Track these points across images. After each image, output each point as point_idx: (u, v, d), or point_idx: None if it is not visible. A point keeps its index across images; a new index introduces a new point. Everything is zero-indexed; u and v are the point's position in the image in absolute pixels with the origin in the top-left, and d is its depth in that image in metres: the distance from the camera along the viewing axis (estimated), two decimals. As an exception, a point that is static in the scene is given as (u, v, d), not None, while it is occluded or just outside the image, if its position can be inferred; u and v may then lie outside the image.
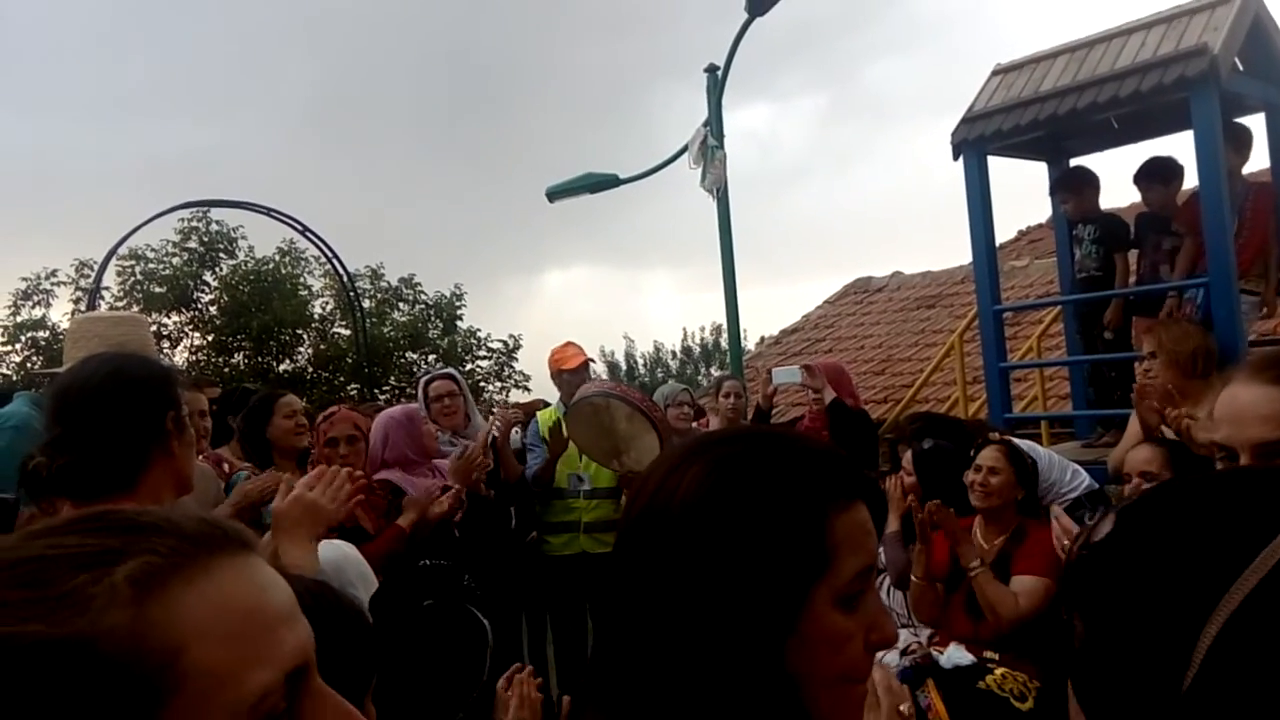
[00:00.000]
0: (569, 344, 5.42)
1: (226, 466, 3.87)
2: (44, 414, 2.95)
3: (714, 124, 7.48)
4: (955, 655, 3.24)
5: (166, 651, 0.54)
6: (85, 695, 0.52)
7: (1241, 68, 4.58)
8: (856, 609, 0.88)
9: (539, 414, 5.24)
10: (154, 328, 15.70)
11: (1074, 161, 5.33)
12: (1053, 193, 5.27)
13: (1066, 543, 1.69)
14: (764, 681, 0.85)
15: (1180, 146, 4.79)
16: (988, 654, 3.28)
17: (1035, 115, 4.70)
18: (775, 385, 5.36)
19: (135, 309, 15.69)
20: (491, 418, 5.05)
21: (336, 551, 2.09)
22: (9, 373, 15.11)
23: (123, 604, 0.54)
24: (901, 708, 0.96)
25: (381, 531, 3.43)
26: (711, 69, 7.57)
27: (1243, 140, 4.62)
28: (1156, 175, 4.71)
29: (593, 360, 5.70)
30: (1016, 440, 3.79)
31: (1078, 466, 4.07)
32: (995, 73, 5.08)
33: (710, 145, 7.43)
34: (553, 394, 5.58)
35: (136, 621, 0.53)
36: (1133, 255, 5.02)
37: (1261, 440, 1.51)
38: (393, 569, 3.37)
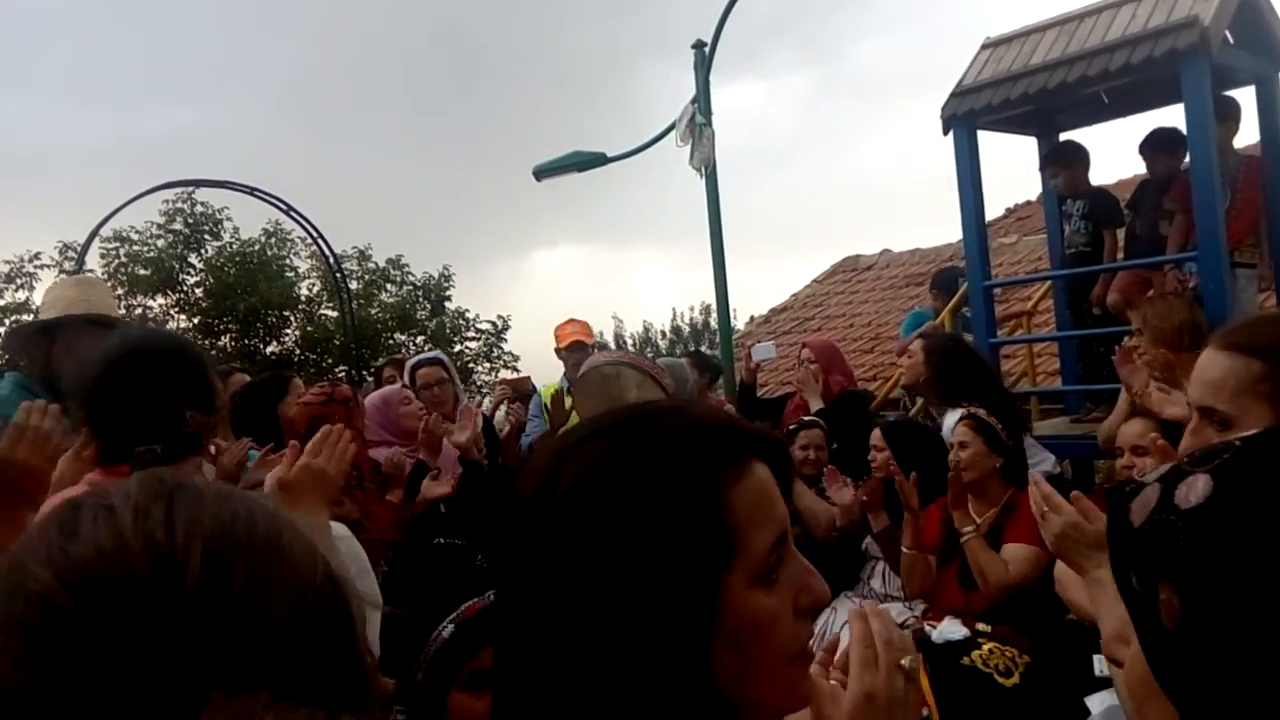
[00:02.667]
0: (571, 320, 5.42)
1: (212, 449, 3.85)
2: (34, 391, 2.94)
3: (702, 101, 7.42)
4: (947, 630, 3.25)
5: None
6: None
7: (1232, 40, 4.56)
8: (777, 581, 0.79)
9: (542, 387, 5.24)
10: (139, 310, 15.60)
11: (1064, 136, 5.31)
12: (1043, 167, 5.25)
13: (1045, 509, 1.69)
14: (694, 702, 0.75)
15: (1170, 120, 4.78)
16: (980, 626, 3.29)
17: (1025, 89, 4.67)
18: (757, 361, 5.40)
19: (120, 291, 15.57)
20: (480, 399, 5.04)
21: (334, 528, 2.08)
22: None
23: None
24: (904, 661, 0.89)
25: (372, 515, 3.40)
26: (699, 45, 7.50)
27: (1231, 113, 4.61)
28: (1163, 145, 4.71)
29: (594, 339, 5.70)
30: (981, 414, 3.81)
31: (1040, 446, 4.14)
32: (985, 46, 5.05)
33: (698, 123, 7.37)
34: (545, 372, 5.57)
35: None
36: (1121, 232, 5.02)
37: (1202, 404, 1.52)
38: (405, 547, 3.35)
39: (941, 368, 4.17)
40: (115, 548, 0.58)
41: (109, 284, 15.53)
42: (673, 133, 7.64)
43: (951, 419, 4.03)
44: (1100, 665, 3.12)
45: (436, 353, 5.27)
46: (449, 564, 3.41)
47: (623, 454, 0.78)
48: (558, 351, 5.29)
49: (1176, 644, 0.64)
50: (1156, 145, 4.73)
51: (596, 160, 8.41)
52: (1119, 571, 0.70)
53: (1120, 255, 4.98)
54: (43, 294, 3.24)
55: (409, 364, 4.91)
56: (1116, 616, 1.17)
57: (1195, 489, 0.64)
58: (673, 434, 0.79)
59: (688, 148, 7.45)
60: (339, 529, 2.20)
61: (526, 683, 0.78)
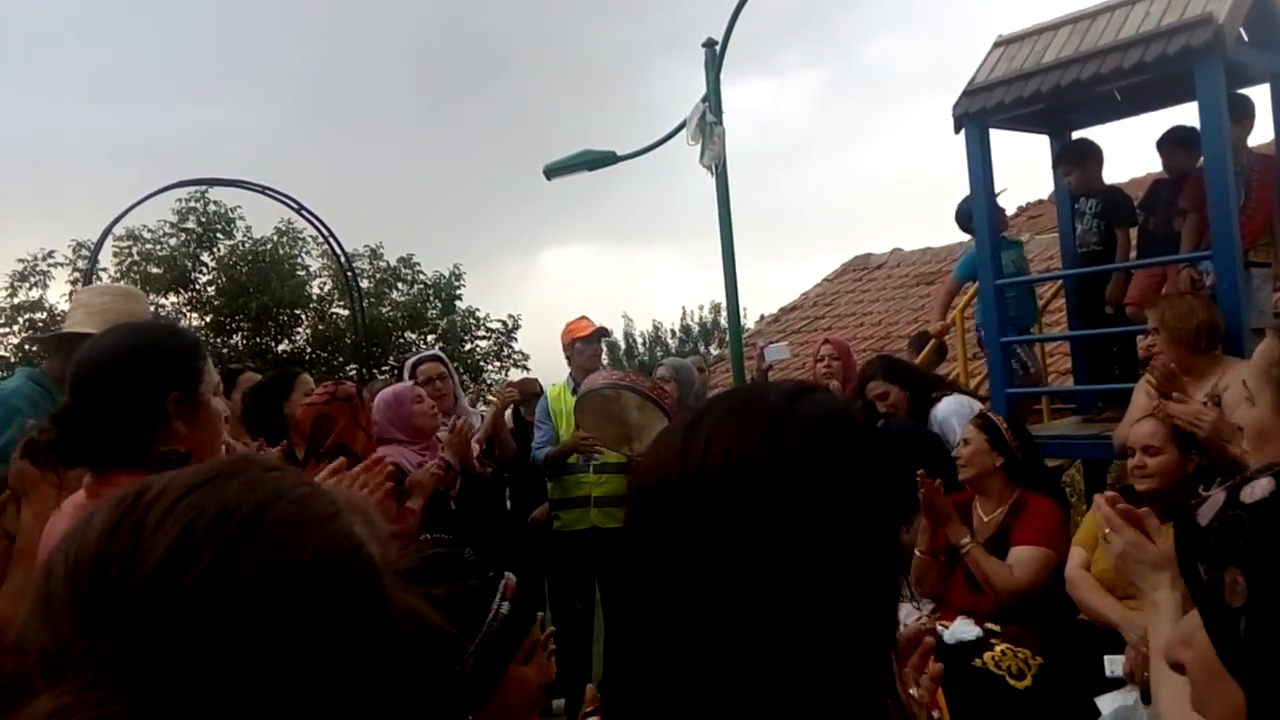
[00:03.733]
0: (582, 317, 5.42)
1: (223, 450, 3.86)
2: (47, 387, 2.94)
3: (712, 99, 7.40)
4: (960, 630, 3.24)
5: None
6: None
7: (1246, 38, 4.53)
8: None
9: (549, 390, 5.24)
10: (151, 309, 15.66)
11: (1076, 134, 5.29)
12: (1056, 165, 5.23)
13: (1108, 530, 1.67)
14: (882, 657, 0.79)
15: (1184, 118, 4.75)
16: (989, 626, 3.28)
17: (1038, 87, 4.64)
18: (770, 362, 5.37)
19: (132, 290, 15.63)
20: (492, 400, 5.06)
21: None
22: (6, 354, 15.09)
23: None
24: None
25: (389, 515, 3.42)
26: (710, 43, 7.48)
27: (1245, 111, 4.58)
28: (1181, 142, 4.69)
29: (607, 333, 5.68)
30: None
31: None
32: (997, 44, 5.02)
33: (709, 121, 7.35)
34: (555, 371, 5.57)
35: None
36: (1134, 231, 5.00)
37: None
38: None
39: (909, 379, 4.52)
40: (98, 537, 0.61)
41: (122, 283, 15.62)
42: (683, 131, 7.63)
43: (945, 410, 4.10)
44: (1111, 666, 3.11)
45: (435, 350, 5.28)
46: (439, 558, 3.43)
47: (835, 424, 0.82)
48: (571, 344, 5.27)
49: (1243, 621, 0.70)
50: (1175, 142, 4.71)
51: (607, 159, 8.40)
52: (1186, 567, 0.75)
53: (1133, 254, 4.96)
54: (80, 295, 3.20)
55: (409, 362, 4.93)
56: (1177, 626, 1.20)
57: (1259, 488, 0.72)
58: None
59: (698, 146, 7.43)
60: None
61: (691, 654, 0.78)
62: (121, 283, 15.56)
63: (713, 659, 0.77)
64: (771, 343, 5.50)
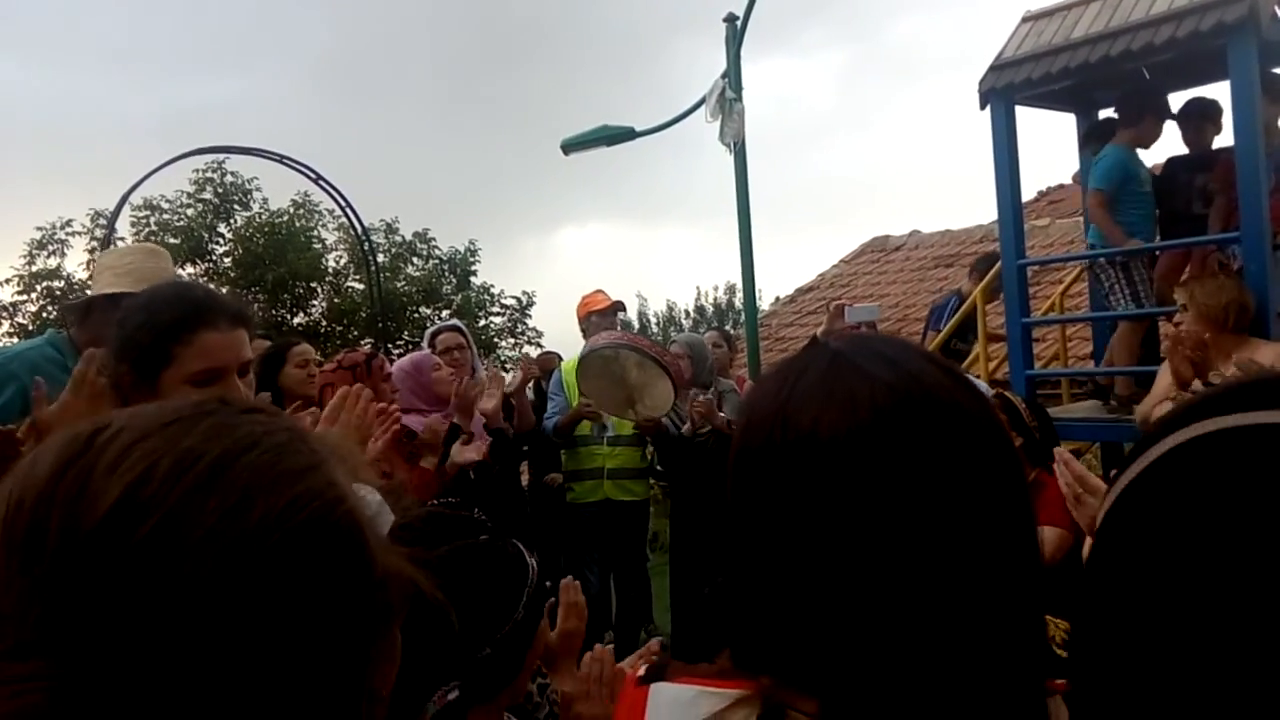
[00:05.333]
0: (598, 291, 5.41)
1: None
2: (64, 354, 2.93)
3: (732, 76, 7.33)
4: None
5: None
6: None
7: (1280, 16, 4.44)
8: None
9: (562, 364, 5.23)
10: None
11: (1104, 113, 5.21)
12: (1084, 144, 5.15)
13: (1080, 490, 1.64)
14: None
15: (1215, 97, 4.67)
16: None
17: (1066, 63, 4.57)
18: (850, 323, 4.76)
19: (150, 260, 15.69)
20: (510, 369, 5.05)
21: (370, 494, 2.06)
22: (25, 322, 15.18)
23: None
24: None
25: (396, 466, 3.41)
26: (730, 18, 7.40)
27: (1278, 91, 4.49)
28: (1203, 114, 4.63)
29: (622, 308, 5.66)
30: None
31: None
32: (1025, 19, 4.94)
33: (729, 98, 7.28)
34: (570, 349, 5.56)
35: None
36: (1158, 213, 4.92)
37: None
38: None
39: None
40: (43, 479, 0.54)
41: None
42: (703, 108, 7.56)
43: None
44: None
45: (454, 321, 5.29)
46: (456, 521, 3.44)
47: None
48: (587, 317, 5.26)
49: None
50: (1198, 115, 4.65)
51: (625, 135, 8.34)
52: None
53: (1158, 237, 4.89)
54: (105, 259, 3.15)
55: (429, 331, 4.94)
56: None
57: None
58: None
59: (718, 123, 7.37)
60: (373, 500, 2.19)
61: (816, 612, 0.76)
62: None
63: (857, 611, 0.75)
64: (857, 302, 5.09)
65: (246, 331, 1.83)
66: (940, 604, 0.73)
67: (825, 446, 0.76)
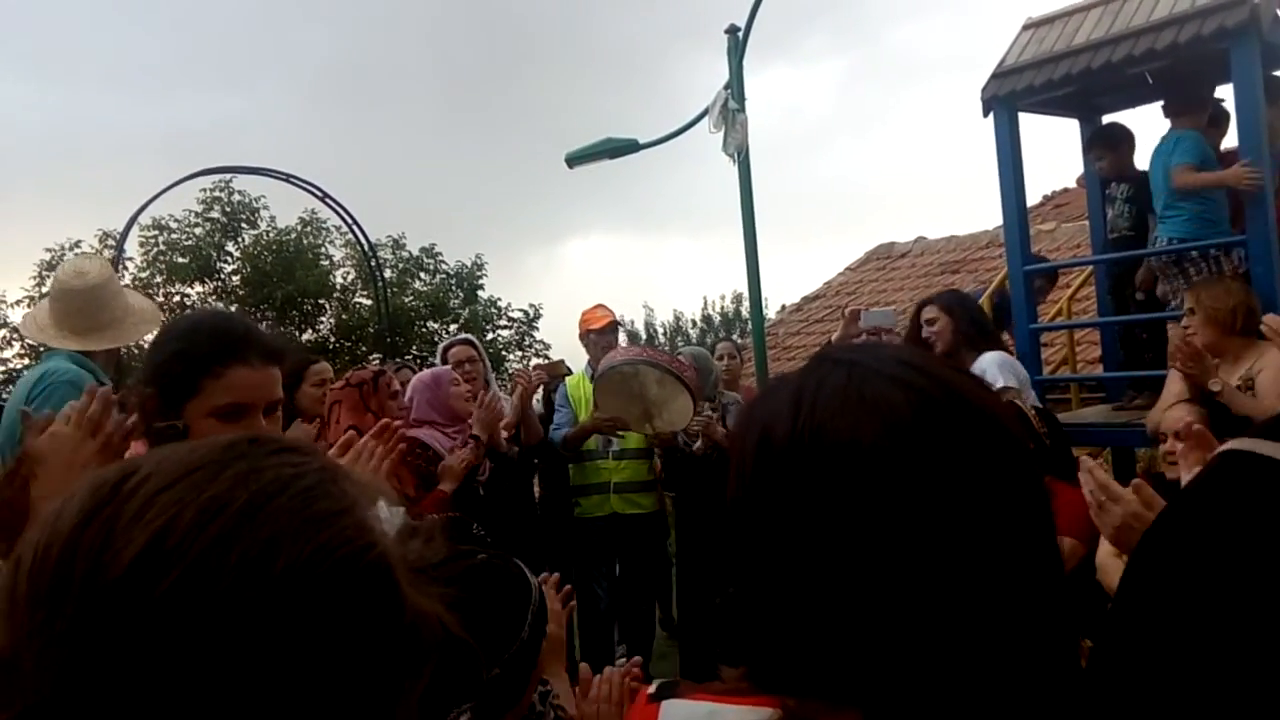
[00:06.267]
0: (598, 306, 5.41)
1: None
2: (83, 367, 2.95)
3: (735, 86, 7.34)
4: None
5: None
6: None
7: (1282, 18, 4.44)
8: None
9: (567, 379, 5.24)
10: (177, 298, 15.81)
11: (1106, 118, 5.21)
12: (1088, 150, 5.15)
13: (1103, 499, 1.63)
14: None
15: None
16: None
17: (1068, 69, 4.58)
18: (871, 326, 4.86)
19: (158, 279, 15.79)
20: (517, 383, 5.05)
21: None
22: (35, 343, 15.25)
23: None
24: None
25: (422, 497, 3.42)
26: (732, 30, 7.43)
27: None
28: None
29: (621, 323, 5.68)
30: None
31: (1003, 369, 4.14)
32: (1026, 26, 4.95)
33: (731, 109, 7.30)
34: (576, 361, 5.57)
35: None
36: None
37: None
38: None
39: (966, 317, 4.34)
40: (69, 528, 0.53)
41: (148, 272, 15.77)
42: (706, 119, 7.58)
43: (984, 361, 4.04)
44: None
45: (466, 334, 5.31)
46: (452, 531, 3.45)
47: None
48: (585, 335, 5.28)
49: None
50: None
51: (629, 147, 8.36)
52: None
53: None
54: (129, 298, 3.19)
55: (441, 345, 4.96)
56: None
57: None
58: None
59: (721, 134, 7.39)
60: (396, 517, 2.19)
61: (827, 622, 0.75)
62: (147, 272, 15.71)
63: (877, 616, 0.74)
64: (870, 307, 5.05)
65: (281, 370, 1.81)
66: (983, 611, 0.72)
67: (866, 455, 0.74)
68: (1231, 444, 0.78)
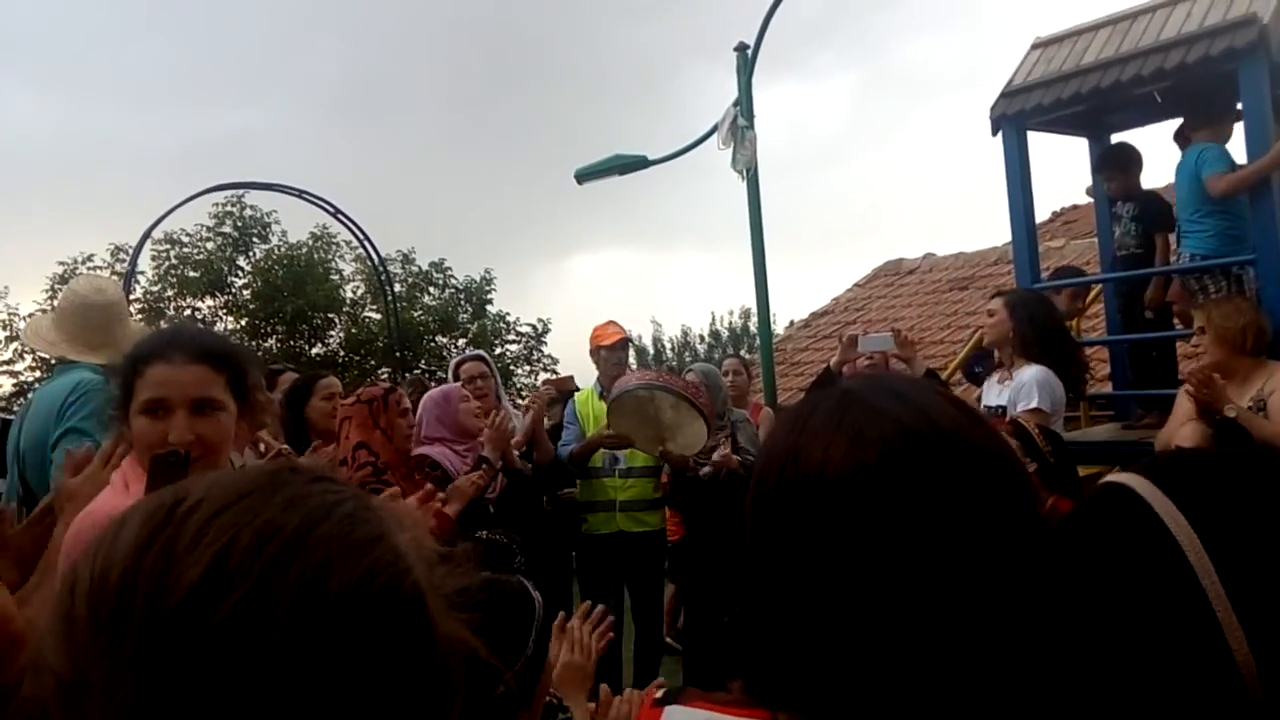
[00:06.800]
0: (610, 323, 5.42)
1: (263, 447, 3.91)
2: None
3: (744, 104, 7.39)
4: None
5: None
6: None
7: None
8: None
9: (576, 395, 5.25)
10: (188, 312, 15.91)
11: (1115, 137, 5.22)
12: (1097, 170, 5.16)
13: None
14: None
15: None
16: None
17: (1077, 89, 4.59)
18: (865, 351, 4.79)
19: (170, 293, 15.89)
20: (528, 400, 5.06)
21: None
22: (47, 355, 15.34)
23: None
24: None
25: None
26: (741, 47, 7.47)
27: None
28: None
29: (631, 340, 5.69)
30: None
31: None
32: (1035, 46, 4.98)
33: (740, 125, 7.34)
34: (584, 375, 5.58)
35: None
36: (1173, 236, 4.91)
37: None
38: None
39: (1026, 320, 4.08)
40: (127, 553, 0.55)
41: (159, 286, 15.87)
42: (715, 136, 7.62)
43: (1030, 372, 3.94)
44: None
45: (478, 350, 5.33)
46: (494, 558, 3.45)
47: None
48: (595, 351, 5.29)
49: None
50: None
51: (638, 163, 8.41)
52: None
53: (1173, 258, 4.88)
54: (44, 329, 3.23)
55: (453, 362, 4.97)
56: None
57: None
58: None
59: (730, 151, 7.42)
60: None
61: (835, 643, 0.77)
62: (158, 286, 15.80)
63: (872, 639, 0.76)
64: (868, 332, 5.03)
65: (218, 371, 1.82)
66: (959, 640, 0.74)
67: (832, 485, 0.77)
68: (1112, 476, 0.81)
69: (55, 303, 3.25)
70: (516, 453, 4.26)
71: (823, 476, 0.77)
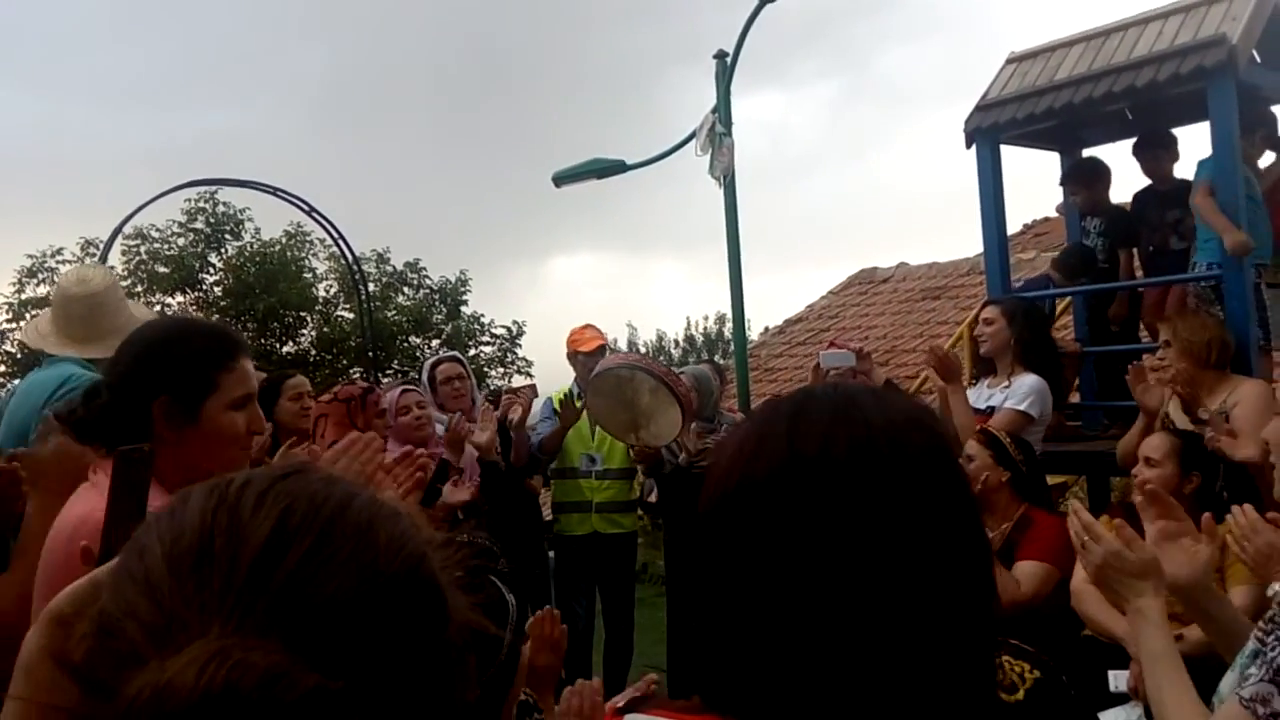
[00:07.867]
0: (588, 326, 5.42)
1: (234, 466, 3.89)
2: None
3: (722, 111, 7.42)
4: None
5: None
6: None
7: (1259, 59, 4.55)
8: None
9: (555, 392, 5.26)
10: (158, 308, 15.72)
11: (1088, 152, 5.30)
12: (1064, 183, 5.24)
13: (1086, 539, 1.67)
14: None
15: (1195, 138, 4.77)
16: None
17: (1050, 104, 4.66)
18: (826, 369, 4.99)
19: (139, 289, 15.70)
20: (505, 401, 5.05)
21: None
22: (13, 350, 15.12)
23: None
24: None
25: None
26: (721, 55, 7.51)
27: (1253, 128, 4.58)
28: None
29: (609, 345, 5.70)
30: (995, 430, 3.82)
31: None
32: (1010, 61, 5.04)
33: (718, 132, 7.37)
34: (559, 378, 5.58)
35: None
36: (1136, 251, 5.00)
37: None
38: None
39: (1025, 328, 4.19)
40: (197, 519, 0.62)
41: (129, 281, 15.67)
42: (692, 142, 7.65)
43: (1030, 380, 4.01)
44: (1115, 682, 3.10)
45: (453, 351, 5.32)
46: (479, 559, 3.45)
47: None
48: (573, 355, 5.29)
49: None
50: (1149, 145, 4.78)
51: (616, 168, 8.42)
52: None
53: (1140, 273, 4.96)
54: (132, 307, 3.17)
55: (428, 363, 4.96)
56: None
57: None
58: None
59: (707, 157, 7.45)
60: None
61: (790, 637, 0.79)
62: (128, 281, 15.61)
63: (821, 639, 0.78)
64: (832, 347, 5.14)
65: None
66: (896, 652, 0.76)
67: (758, 488, 0.81)
68: None
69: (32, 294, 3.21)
70: (484, 451, 4.23)
71: (755, 480, 0.81)
